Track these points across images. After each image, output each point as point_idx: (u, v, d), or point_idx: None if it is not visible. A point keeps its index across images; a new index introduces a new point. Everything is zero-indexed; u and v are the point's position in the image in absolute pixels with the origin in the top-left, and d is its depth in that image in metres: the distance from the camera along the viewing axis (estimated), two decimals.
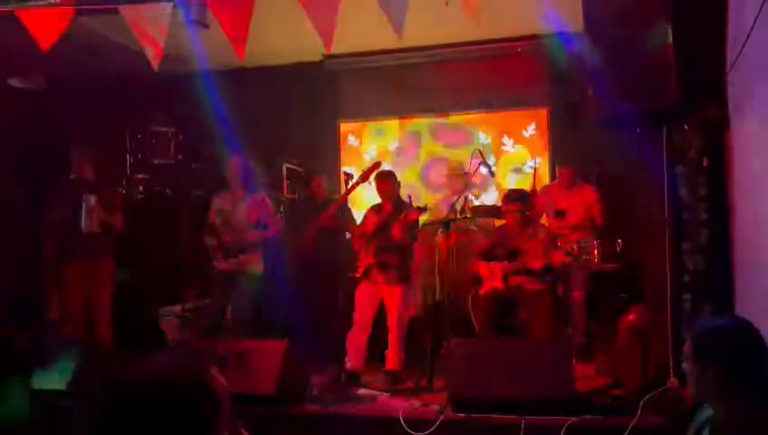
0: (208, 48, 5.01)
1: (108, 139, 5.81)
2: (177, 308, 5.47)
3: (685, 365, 1.94)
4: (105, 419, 1.05)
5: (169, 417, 1.02)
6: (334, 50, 6.03)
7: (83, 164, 4.95)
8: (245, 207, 4.92)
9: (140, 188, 5.93)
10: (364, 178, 4.84)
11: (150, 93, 5.93)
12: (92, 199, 4.78)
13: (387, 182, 4.74)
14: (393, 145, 6.57)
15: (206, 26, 4.72)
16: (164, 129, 6.03)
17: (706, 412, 1.96)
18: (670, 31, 3.14)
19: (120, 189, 5.66)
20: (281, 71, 6.45)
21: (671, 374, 3.50)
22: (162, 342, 5.23)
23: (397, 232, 4.52)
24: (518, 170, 6.25)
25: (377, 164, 4.94)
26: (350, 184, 4.93)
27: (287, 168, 6.28)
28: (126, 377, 1.08)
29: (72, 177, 4.96)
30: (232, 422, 1.22)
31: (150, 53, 3.78)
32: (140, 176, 5.99)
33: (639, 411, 3.27)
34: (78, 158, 4.95)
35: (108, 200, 4.90)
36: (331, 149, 6.61)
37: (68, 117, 6.14)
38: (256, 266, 4.92)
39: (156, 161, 6.01)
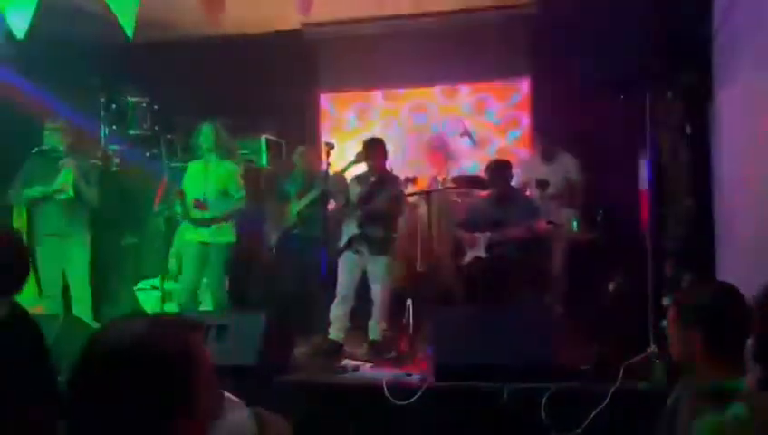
0: (185, 15, 4.87)
1: (81, 110, 5.64)
2: (156, 281, 5.39)
3: (668, 329, 1.95)
4: (81, 385, 1.01)
5: (147, 383, 0.98)
6: (313, 18, 5.92)
7: (57, 136, 4.80)
8: (218, 176, 4.84)
9: (116, 160, 5.79)
10: (361, 158, 4.68)
11: (124, 63, 5.78)
12: (68, 162, 4.66)
13: (375, 151, 4.66)
14: (376, 115, 6.48)
15: None
16: (138, 99, 5.87)
17: (690, 377, 1.97)
18: None
19: (96, 161, 5.52)
20: (259, 39, 6.30)
21: (651, 340, 3.54)
22: (141, 316, 5.16)
23: (381, 203, 4.48)
24: (500, 141, 6.21)
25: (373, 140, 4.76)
26: (349, 163, 4.79)
27: (267, 139, 6.16)
28: (103, 343, 1.04)
29: (44, 148, 4.82)
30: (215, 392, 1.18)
31: (124, 21, 3.66)
32: (116, 147, 5.84)
33: (620, 377, 3.30)
34: (52, 129, 4.81)
35: (83, 170, 4.79)
36: (311, 120, 6.51)
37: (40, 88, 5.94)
38: (228, 236, 4.86)
39: (131, 132, 5.86)
